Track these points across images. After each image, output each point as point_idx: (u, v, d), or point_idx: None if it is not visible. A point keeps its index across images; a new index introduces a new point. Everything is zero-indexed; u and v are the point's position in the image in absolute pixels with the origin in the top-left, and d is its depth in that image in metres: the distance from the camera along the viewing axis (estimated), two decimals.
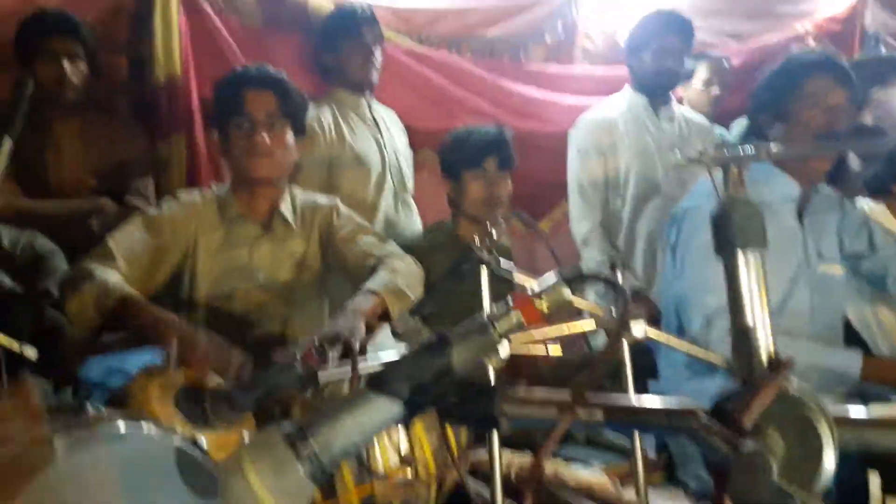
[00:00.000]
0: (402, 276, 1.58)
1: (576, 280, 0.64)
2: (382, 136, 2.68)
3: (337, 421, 0.55)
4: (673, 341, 1.30)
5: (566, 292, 0.63)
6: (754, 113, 1.87)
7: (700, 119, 2.97)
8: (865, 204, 2.13)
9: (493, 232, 1.19)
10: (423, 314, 1.12)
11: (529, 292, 0.63)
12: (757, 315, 0.50)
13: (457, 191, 2.22)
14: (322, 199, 1.85)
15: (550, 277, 0.64)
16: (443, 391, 0.60)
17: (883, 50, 3.85)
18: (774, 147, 1.35)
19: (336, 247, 1.75)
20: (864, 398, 1.66)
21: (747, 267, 0.51)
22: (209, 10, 2.53)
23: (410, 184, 2.78)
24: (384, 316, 1.49)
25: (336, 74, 2.63)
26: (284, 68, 1.86)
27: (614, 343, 0.59)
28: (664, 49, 2.71)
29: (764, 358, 0.49)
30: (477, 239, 1.18)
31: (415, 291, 1.58)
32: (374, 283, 1.53)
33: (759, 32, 3.67)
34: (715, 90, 3.14)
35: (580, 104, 3.14)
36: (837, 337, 1.85)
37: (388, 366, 0.59)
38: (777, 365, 0.46)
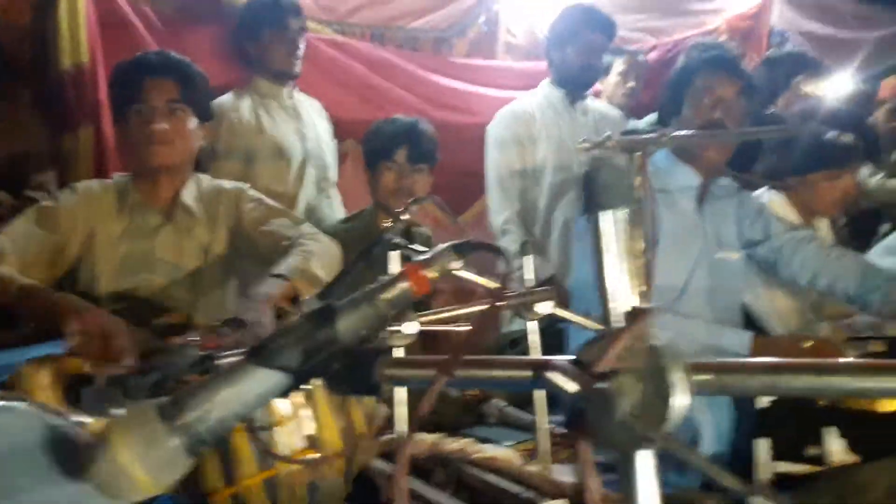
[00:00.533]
0: (317, 256, 1.58)
1: (466, 249, 0.66)
2: (304, 127, 2.66)
3: (214, 392, 0.55)
4: (577, 319, 1.35)
5: (453, 260, 0.65)
6: (660, 108, 1.95)
7: (615, 112, 3.07)
8: (765, 194, 2.24)
9: (405, 217, 1.20)
10: (333, 299, 1.13)
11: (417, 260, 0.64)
12: (619, 270, 0.53)
13: (372, 181, 2.24)
14: (228, 184, 1.83)
15: (439, 247, 0.65)
16: (328, 360, 0.60)
17: (790, 45, 4.05)
18: (672, 133, 1.42)
19: (245, 231, 1.74)
20: None
21: (611, 225, 0.54)
22: None
23: (333, 174, 2.77)
24: (296, 300, 1.48)
25: (257, 63, 2.60)
26: (199, 56, 1.83)
27: (493, 310, 0.60)
28: (588, 46, 2.79)
29: (622, 310, 0.52)
30: (388, 223, 1.19)
31: (331, 272, 1.58)
32: (283, 266, 1.52)
33: (674, 28, 3.81)
34: (630, 83, 3.23)
35: (504, 97, 3.20)
36: (735, 319, 1.96)
37: (272, 336, 0.59)
38: (634, 316, 0.48)
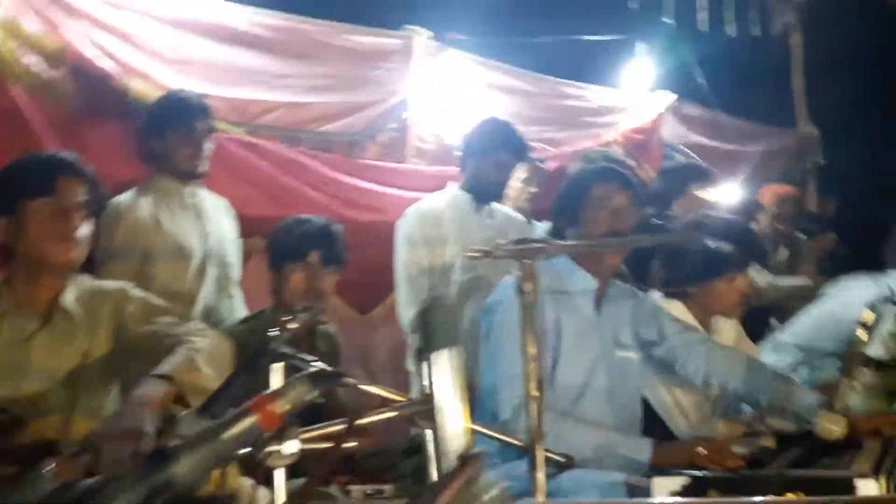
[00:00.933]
0: (204, 353, 1.51)
1: (321, 380, 0.65)
2: (207, 225, 2.62)
3: None
4: (476, 428, 1.34)
5: (307, 392, 0.64)
6: (554, 216, 2.05)
7: (519, 217, 3.18)
8: (664, 303, 2.32)
9: (292, 326, 1.18)
10: (213, 414, 1.07)
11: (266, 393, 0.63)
12: (453, 412, 0.52)
13: (278, 280, 2.21)
14: (110, 284, 1.76)
15: (293, 378, 0.64)
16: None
17: (680, 157, 4.38)
18: (560, 242, 1.49)
19: (129, 331, 1.66)
20: None
21: (443, 366, 0.53)
22: (17, 89, 2.42)
23: (236, 273, 2.72)
24: (182, 400, 1.41)
25: (161, 162, 2.57)
26: (98, 152, 1.81)
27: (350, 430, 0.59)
28: (501, 164, 2.93)
29: (455, 453, 0.50)
30: (274, 331, 1.16)
31: (220, 370, 1.51)
32: (166, 365, 1.44)
33: (572, 140, 4.05)
34: (533, 189, 3.37)
35: (413, 197, 3.28)
36: (635, 418, 2.00)
37: (103, 482, 0.55)
38: (464, 461, 0.47)
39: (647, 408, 2.14)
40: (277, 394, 0.61)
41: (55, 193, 1.60)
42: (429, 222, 2.91)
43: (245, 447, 0.58)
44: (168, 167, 2.54)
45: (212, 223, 2.64)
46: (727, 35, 4.61)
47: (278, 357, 1.12)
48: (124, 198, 2.48)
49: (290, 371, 1.15)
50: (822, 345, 2.65)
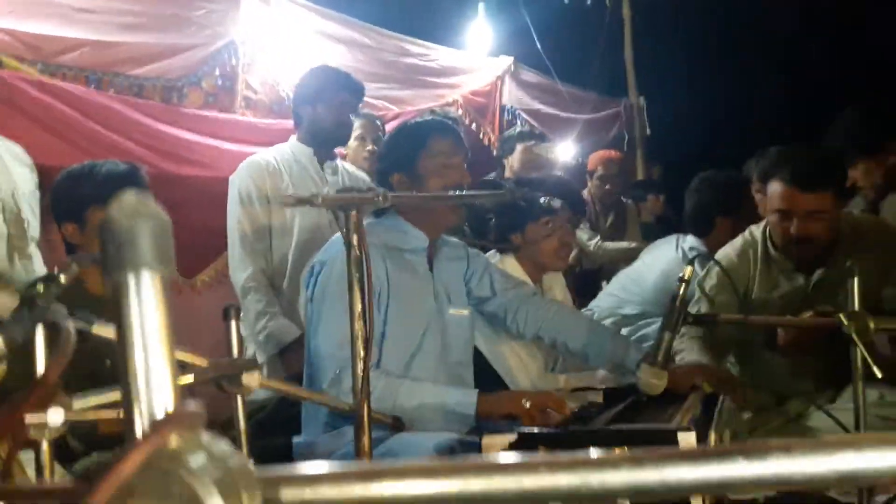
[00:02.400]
0: None
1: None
2: None
3: None
4: (290, 389, 1.23)
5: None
6: (385, 173, 1.95)
7: (363, 175, 3.05)
8: (495, 256, 2.33)
9: (64, 279, 0.99)
10: None
11: None
12: (155, 353, 0.37)
13: (80, 232, 1.93)
14: None
15: None
16: None
17: (518, 122, 4.45)
18: (387, 193, 1.39)
19: None
20: None
21: (138, 294, 0.38)
22: None
23: (34, 230, 2.37)
24: None
25: None
26: None
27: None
28: (339, 104, 2.73)
29: (149, 415, 0.34)
30: (43, 286, 0.97)
31: None
32: None
33: (414, 99, 3.97)
34: (370, 147, 3.26)
35: (244, 152, 3.04)
36: (467, 375, 1.97)
37: None
38: (167, 423, 0.34)
39: (486, 367, 2.13)
40: None
41: None
42: (266, 177, 2.70)
43: None
44: None
45: (1, 173, 2.27)
46: (562, 2, 4.71)
47: (41, 315, 0.92)
48: None
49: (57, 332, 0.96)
50: (630, 306, 2.80)
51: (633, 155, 5.01)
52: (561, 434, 1.41)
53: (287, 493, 0.33)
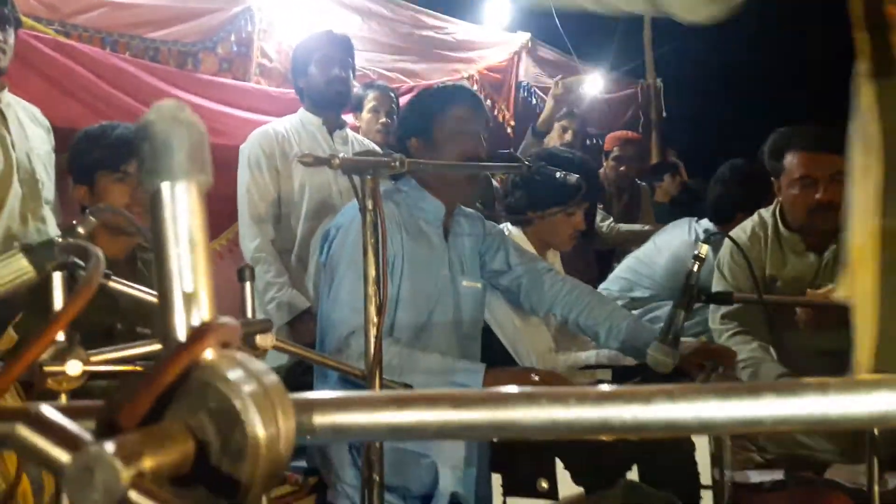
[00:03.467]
0: None
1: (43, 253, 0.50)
2: (11, 135, 2.25)
3: None
4: (302, 352, 1.23)
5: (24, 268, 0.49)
6: (402, 138, 1.93)
7: (373, 146, 3.03)
8: (506, 228, 2.32)
9: (82, 229, 0.99)
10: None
11: None
12: (192, 262, 0.36)
13: (90, 195, 1.93)
14: None
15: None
16: None
17: (533, 100, 4.42)
18: (405, 158, 1.38)
19: None
20: None
21: (173, 203, 0.37)
22: None
23: (48, 192, 2.38)
24: None
25: None
26: None
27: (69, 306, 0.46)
28: (327, 59, 2.69)
29: (186, 323, 0.34)
30: (59, 236, 0.97)
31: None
32: None
33: (429, 73, 3.94)
34: (383, 119, 3.23)
35: (257, 120, 3.03)
36: (475, 348, 1.96)
37: None
38: (200, 333, 0.33)
39: (495, 341, 2.13)
40: None
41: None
42: (276, 145, 2.68)
43: None
44: None
45: (19, 133, 2.27)
46: None
47: (60, 266, 0.92)
48: None
49: (75, 284, 0.97)
50: (640, 289, 2.79)
51: (648, 137, 4.97)
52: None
53: (319, 417, 0.33)
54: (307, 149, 2.75)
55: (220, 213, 3.02)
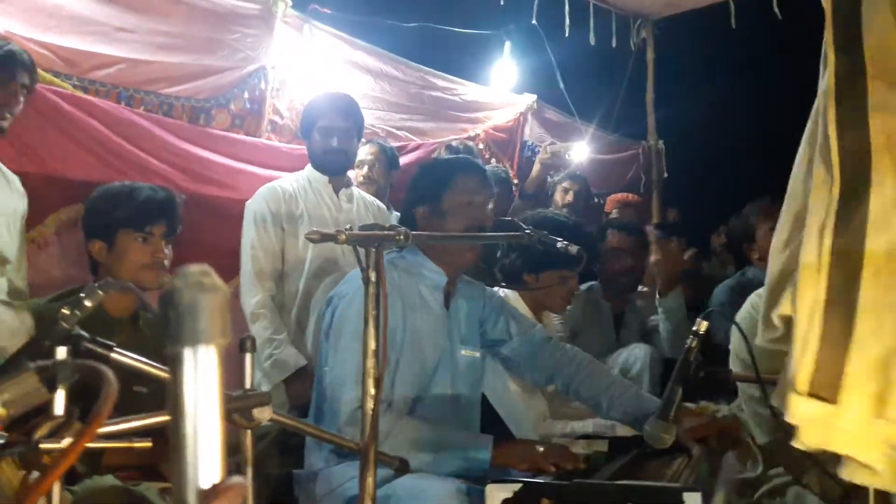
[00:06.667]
0: None
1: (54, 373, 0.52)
2: None
3: None
4: (299, 425, 1.23)
5: (33, 390, 0.51)
6: (411, 206, 1.96)
7: (377, 202, 3.07)
8: (500, 291, 2.34)
9: (88, 303, 1.01)
10: None
11: None
12: (202, 430, 0.39)
13: (108, 251, 1.95)
14: None
15: (17, 371, 0.51)
16: None
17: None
18: (410, 232, 1.40)
19: None
20: None
21: (195, 368, 0.40)
22: None
23: (11, 251, 2.27)
24: None
25: None
26: None
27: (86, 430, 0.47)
28: (328, 129, 2.77)
29: (196, 487, 0.37)
30: (68, 310, 0.99)
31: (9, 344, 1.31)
32: None
33: (437, 132, 4.01)
34: (366, 171, 3.25)
35: (267, 175, 3.08)
36: (474, 416, 1.96)
37: None
38: (213, 494, 0.34)
39: (488, 409, 2.13)
40: None
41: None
42: (281, 202, 2.74)
43: None
44: None
45: None
46: (588, 44, 4.75)
47: (65, 339, 0.94)
48: None
49: (82, 356, 0.98)
50: None
51: (649, 198, 5.02)
52: (566, 486, 1.40)
53: None
54: (313, 207, 2.80)
55: (225, 265, 3.05)
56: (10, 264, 2.20)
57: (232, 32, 3.18)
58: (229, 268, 3.00)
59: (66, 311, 0.97)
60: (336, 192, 2.87)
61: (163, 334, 0.39)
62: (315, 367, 2.58)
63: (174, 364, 0.39)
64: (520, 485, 1.30)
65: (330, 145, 2.77)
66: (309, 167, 2.89)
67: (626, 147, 5.27)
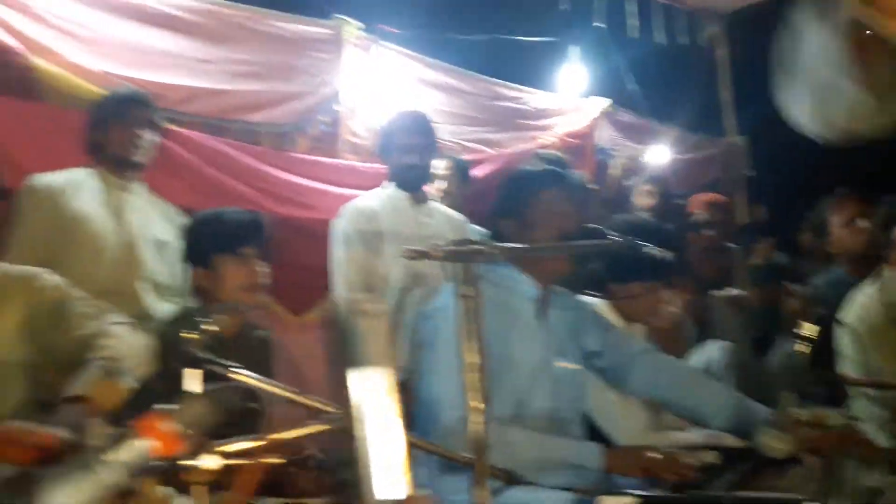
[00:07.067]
0: (120, 364, 1.36)
1: (226, 398, 0.53)
2: (132, 225, 2.37)
3: None
4: (414, 440, 1.23)
5: (206, 412, 0.52)
6: (495, 219, 1.94)
7: (459, 216, 3.09)
8: (587, 300, 2.27)
9: (212, 328, 1.04)
10: (123, 420, 0.94)
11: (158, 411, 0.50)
12: (389, 441, 0.40)
13: (204, 277, 2.02)
14: (17, 271, 1.57)
15: (191, 394, 0.52)
16: None
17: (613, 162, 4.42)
18: (502, 245, 1.39)
19: (42, 323, 1.50)
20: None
21: (372, 383, 0.41)
22: None
23: (158, 275, 2.45)
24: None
25: (98, 153, 2.38)
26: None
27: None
28: (405, 146, 2.83)
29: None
30: (189, 334, 1.02)
31: (139, 370, 1.38)
32: (79, 381, 1.29)
33: (510, 142, 4.00)
34: (442, 185, 3.25)
35: (347, 194, 3.15)
36: (576, 430, 1.91)
37: None
38: None
39: (587, 423, 2.07)
40: (170, 414, 0.49)
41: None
42: (365, 220, 2.80)
43: (141, 470, 0.46)
44: (104, 157, 2.36)
45: (142, 223, 2.40)
46: (657, 42, 4.65)
47: (193, 362, 0.97)
48: (48, 179, 2.27)
49: (209, 378, 1.01)
50: None
51: (733, 197, 4.84)
52: (681, 499, 1.35)
53: None
54: (395, 223, 2.84)
55: (315, 284, 3.12)
56: (170, 289, 2.36)
57: (306, 58, 3.28)
58: (322, 285, 3.07)
59: (188, 335, 1.00)
60: (416, 207, 2.90)
61: (343, 359, 0.40)
62: (406, 380, 2.62)
63: (353, 386, 0.40)
64: (633, 498, 1.26)
65: (408, 162, 2.83)
66: (389, 184, 2.93)
67: (704, 146, 5.11)
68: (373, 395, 0.40)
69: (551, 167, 1.96)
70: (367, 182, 3.21)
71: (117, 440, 0.46)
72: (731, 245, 3.92)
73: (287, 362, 2.18)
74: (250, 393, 1.63)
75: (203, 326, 1.05)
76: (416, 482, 1.80)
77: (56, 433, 1.11)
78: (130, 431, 0.47)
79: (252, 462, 0.98)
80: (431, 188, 3.28)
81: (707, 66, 5.10)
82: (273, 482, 1.60)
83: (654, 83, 5.03)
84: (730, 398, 1.84)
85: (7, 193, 2.27)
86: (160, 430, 0.47)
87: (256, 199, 2.90)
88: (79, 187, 2.31)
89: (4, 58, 2.47)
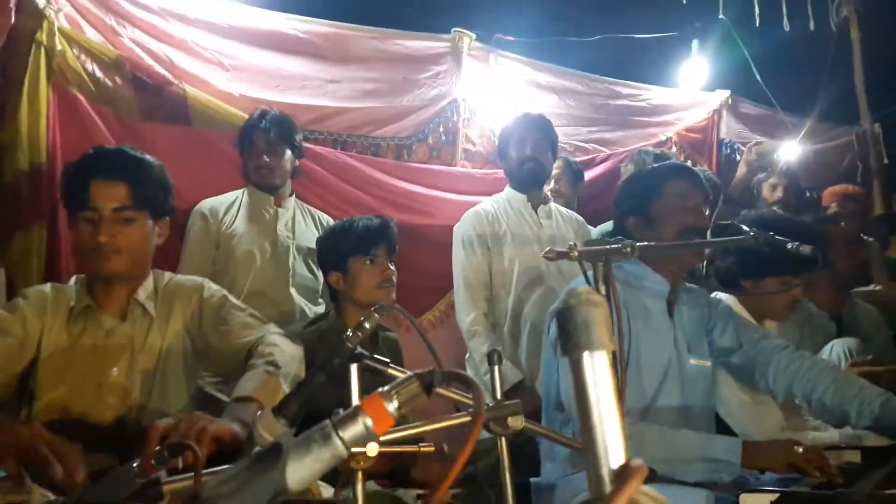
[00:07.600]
0: (283, 369, 1.49)
1: (433, 382, 0.60)
2: (282, 236, 2.67)
3: None
4: (549, 434, 1.29)
5: (417, 393, 0.59)
6: (621, 217, 1.96)
7: (575, 216, 3.11)
8: (717, 296, 2.24)
9: (368, 325, 1.14)
10: (289, 417, 1.04)
11: (378, 392, 0.58)
12: (606, 420, 0.47)
13: (344, 280, 2.17)
14: (188, 280, 1.76)
15: (403, 377, 0.60)
16: None
17: (737, 157, 4.27)
18: (635, 243, 1.42)
19: (203, 329, 1.66)
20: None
21: (593, 369, 0.48)
22: (82, 98, 2.47)
23: (307, 281, 2.72)
24: None
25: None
26: (160, 156, 1.78)
27: (469, 438, 0.55)
28: (522, 140, 2.88)
29: (609, 468, 0.46)
30: (350, 331, 1.12)
31: (295, 374, 1.51)
32: (250, 384, 1.42)
33: (626, 140, 3.96)
34: (552, 185, 3.29)
35: (464, 201, 3.25)
36: (708, 427, 1.90)
37: (219, 482, 0.52)
38: (624, 473, 0.43)
39: (717, 420, 2.04)
40: (388, 393, 0.57)
41: (90, 203, 1.58)
42: (485, 224, 2.88)
43: (356, 446, 0.54)
44: (249, 179, 2.69)
45: (292, 234, 2.68)
46: (783, 30, 4.45)
47: (355, 358, 1.08)
48: (210, 203, 2.64)
49: (367, 373, 1.11)
50: None
51: (869, 187, 4.56)
52: (827, 497, 1.33)
53: None
54: (515, 225, 2.91)
55: (434, 286, 3.25)
56: (302, 290, 2.64)
57: (425, 71, 3.41)
58: (440, 287, 3.20)
59: (350, 334, 1.11)
60: (535, 209, 2.95)
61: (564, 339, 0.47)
62: (528, 380, 2.68)
63: (575, 368, 0.47)
64: (777, 494, 1.25)
65: (524, 153, 2.88)
66: (508, 188, 3.00)
67: (836, 135, 4.84)
68: (599, 374, 0.47)
69: (672, 161, 1.95)
70: (483, 188, 3.31)
71: (344, 418, 0.54)
72: (868, 238, 3.70)
73: (409, 357, 2.30)
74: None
75: (363, 324, 1.15)
76: (547, 477, 1.87)
77: (232, 427, 1.25)
78: (357, 409, 0.55)
79: (412, 449, 1.07)
80: (545, 189, 3.33)
81: (837, 51, 4.83)
82: (399, 470, 1.70)
83: (782, 72, 4.82)
84: (876, 395, 1.77)
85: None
86: (381, 409, 0.54)
87: (379, 208, 3.04)
88: (233, 207, 2.63)
89: (160, 88, 2.73)
